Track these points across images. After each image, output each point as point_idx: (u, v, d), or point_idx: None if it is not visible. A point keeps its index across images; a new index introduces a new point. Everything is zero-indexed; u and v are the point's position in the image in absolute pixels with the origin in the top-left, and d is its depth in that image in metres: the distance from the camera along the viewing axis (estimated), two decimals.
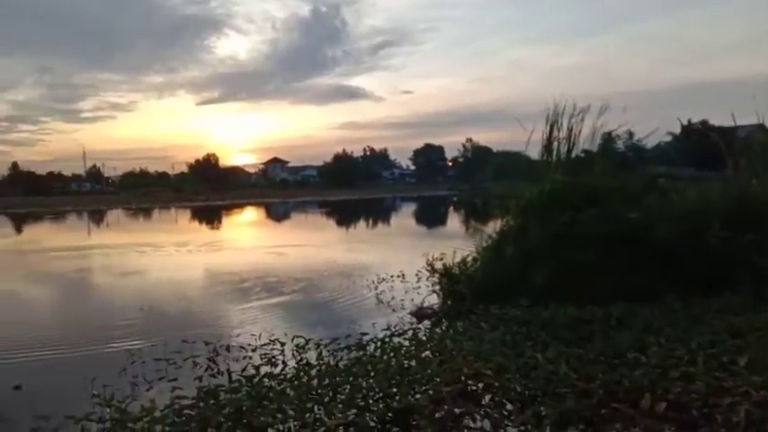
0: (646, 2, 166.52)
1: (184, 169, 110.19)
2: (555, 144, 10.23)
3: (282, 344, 7.45)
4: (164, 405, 4.90)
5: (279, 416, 4.63)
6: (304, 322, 9.54)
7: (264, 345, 7.63)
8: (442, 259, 10.21)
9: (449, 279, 9.63)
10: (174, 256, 20.19)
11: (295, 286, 12.80)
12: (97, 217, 48.36)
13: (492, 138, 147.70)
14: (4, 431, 5.62)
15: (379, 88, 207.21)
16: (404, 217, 44.61)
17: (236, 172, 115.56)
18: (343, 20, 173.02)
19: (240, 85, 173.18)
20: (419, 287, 11.36)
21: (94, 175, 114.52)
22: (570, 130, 10.13)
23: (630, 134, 41.27)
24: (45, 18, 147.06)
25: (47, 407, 5.72)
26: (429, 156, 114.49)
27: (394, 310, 9.94)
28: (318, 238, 26.45)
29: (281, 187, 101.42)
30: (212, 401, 4.89)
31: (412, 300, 10.52)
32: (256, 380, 5.49)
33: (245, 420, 4.53)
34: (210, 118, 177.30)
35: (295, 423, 4.59)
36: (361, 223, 37.95)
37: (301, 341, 7.09)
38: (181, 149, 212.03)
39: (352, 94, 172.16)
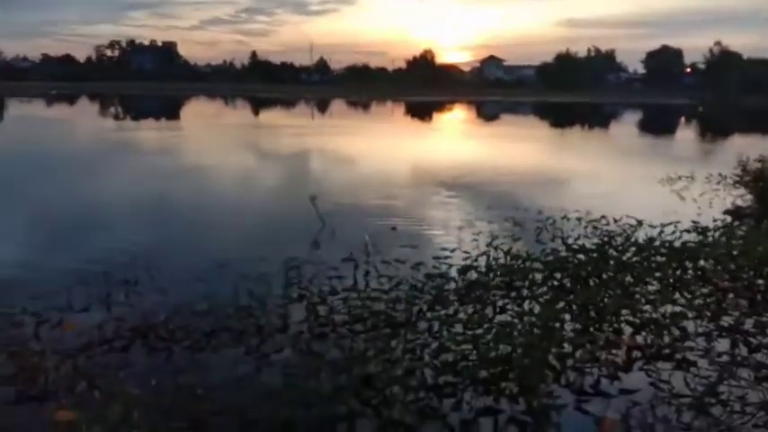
0: None
1: (403, 65, 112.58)
2: None
3: (616, 220, 8.33)
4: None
5: None
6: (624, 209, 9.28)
7: (594, 220, 8.45)
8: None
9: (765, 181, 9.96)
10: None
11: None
12: (322, 106, 52.21)
13: (743, 42, 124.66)
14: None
15: None
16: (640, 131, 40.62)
17: (451, 69, 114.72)
18: None
19: None
20: (718, 189, 11.59)
21: (322, 66, 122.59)
22: None
23: None
24: None
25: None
26: (664, 59, 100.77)
27: (699, 208, 10.04)
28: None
29: (496, 86, 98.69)
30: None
31: (710, 201, 10.74)
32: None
33: None
34: (429, 13, 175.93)
35: None
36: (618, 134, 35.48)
37: (632, 221, 8.14)
38: (398, 44, 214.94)
39: None
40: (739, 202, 10.45)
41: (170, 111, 43.53)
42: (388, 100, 63.69)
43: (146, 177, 13.29)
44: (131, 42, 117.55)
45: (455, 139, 27.27)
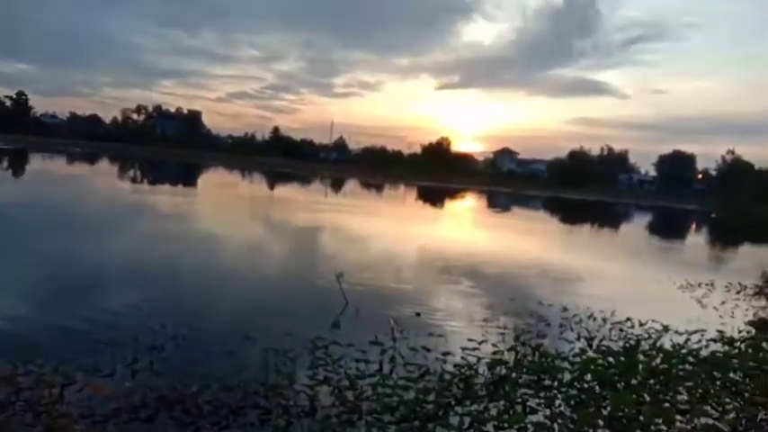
0: None
1: (418, 150, 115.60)
2: None
3: (642, 323, 8.42)
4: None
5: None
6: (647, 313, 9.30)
7: (619, 321, 8.50)
8: None
9: None
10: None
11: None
12: (337, 184, 53.18)
13: (754, 152, 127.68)
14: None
15: (625, 85, 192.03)
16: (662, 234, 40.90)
17: (465, 158, 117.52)
18: (598, 10, 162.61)
19: (479, 71, 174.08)
20: (738, 298, 11.73)
21: (340, 146, 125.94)
22: None
23: None
24: None
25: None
26: (676, 164, 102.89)
27: (722, 317, 10.02)
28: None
29: (507, 178, 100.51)
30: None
31: (732, 310, 10.70)
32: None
33: None
34: (446, 102, 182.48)
35: None
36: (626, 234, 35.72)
37: (658, 326, 8.15)
38: (415, 130, 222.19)
39: (595, 88, 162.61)
40: (762, 314, 10.41)
41: (188, 178, 44.48)
42: (402, 183, 64.85)
43: (166, 244, 13.42)
44: (158, 108, 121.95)
45: (471, 227, 27.48)
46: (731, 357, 6.80)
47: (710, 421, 5.07)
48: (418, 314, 8.26)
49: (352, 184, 56.13)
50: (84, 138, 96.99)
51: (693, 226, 45.02)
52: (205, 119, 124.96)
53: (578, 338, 7.62)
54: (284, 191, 41.25)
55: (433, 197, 47.97)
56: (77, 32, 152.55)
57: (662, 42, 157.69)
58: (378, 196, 45.47)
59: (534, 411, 5.04)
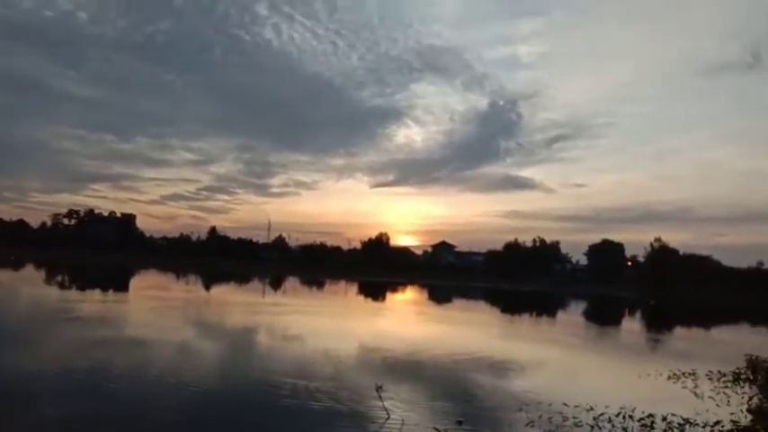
0: None
1: (358, 245, 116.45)
2: None
3: (664, 418, 8.91)
4: None
5: None
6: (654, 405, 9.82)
7: (642, 417, 8.91)
8: None
9: None
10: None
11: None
12: (277, 283, 52.42)
13: (674, 238, 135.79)
14: None
15: (549, 180, 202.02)
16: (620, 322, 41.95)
17: (404, 252, 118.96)
18: (520, 113, 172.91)
19: (413, 170, 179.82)
20: (725, 386, 12.54)
21: (280, 244, 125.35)
22: None
23: None
24: (250, 104, 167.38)
25: None
26: (606, 252, 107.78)
27: (719, 405, 10.68)
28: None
29: (448, 270, 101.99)
30: None
31: (727, 399, 11.38)
32: None
33: None
34: (382, 199, 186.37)
35: None
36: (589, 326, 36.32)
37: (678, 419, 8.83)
38: (353, 227, 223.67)
39: (522, 184, 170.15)
40: (755, 401, 11.19)
41: (118, 282, 42.88)
42: (343, 279, 64.59)
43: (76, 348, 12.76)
44: (90, 212, 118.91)
45: (423, 321, 27.46)
46: None
47: None
48: (460, 422, 8.42)
49: (294, 282, 55.47)
50: (9, 245, 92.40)
51: (637, 314, 46.30)
52: (138, 221, 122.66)
53: None
54: (223, 292, 40.23)
55: (375, 292, 47.89)
56: (4, 138, 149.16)
57: (580, 140, 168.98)
58: (321, 293, 45.02)
59: None
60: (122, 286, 39.43)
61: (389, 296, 45.65)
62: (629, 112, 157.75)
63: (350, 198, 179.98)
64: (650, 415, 8.85)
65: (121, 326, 17.95)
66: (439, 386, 11.20)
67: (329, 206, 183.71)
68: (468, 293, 55.31)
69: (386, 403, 8.83)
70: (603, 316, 42.01)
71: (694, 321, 37.65)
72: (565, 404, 9.67)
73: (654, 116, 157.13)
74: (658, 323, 35.89)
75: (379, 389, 8.83)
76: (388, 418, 8.36)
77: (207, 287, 43.33)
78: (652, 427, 8.42)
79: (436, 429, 7.74)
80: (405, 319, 27.76)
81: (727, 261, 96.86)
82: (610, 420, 8.77)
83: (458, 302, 45.63)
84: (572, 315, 40.54)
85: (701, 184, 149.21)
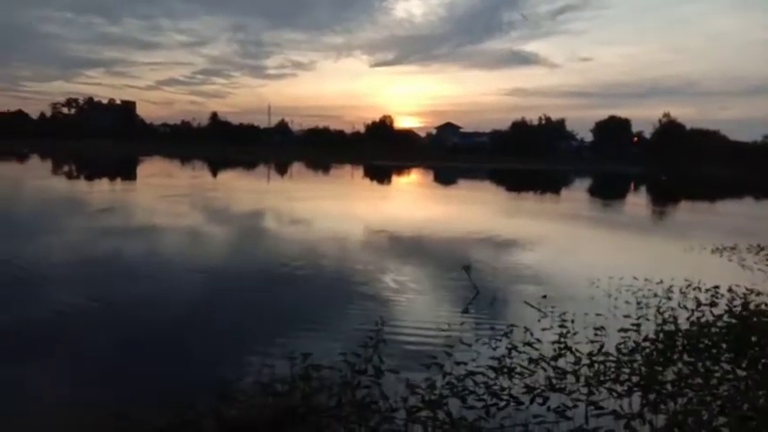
0: None
1: (361, 129, 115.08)
2: None
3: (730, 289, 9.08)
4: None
5: None
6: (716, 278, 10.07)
7: (708, 289, 9.11)
8: None
9: None
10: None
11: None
12: (283, 168, 52.43)
13: (681, 113, 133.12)
14: None
15: (554, 54, 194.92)
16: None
17: (408, 134, 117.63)
18: None
19: (413, 47, 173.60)
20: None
21: (282, 129, 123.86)
22: None
23: None
24: None
25: None
26: (613, 129, 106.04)
27: None
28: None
29: (453, 151, 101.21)
30: None
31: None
32: None
33: None
34: (383, 79, 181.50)
35: None
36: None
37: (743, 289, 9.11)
38: (353, 109, 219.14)
39: (526, 59, 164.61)
40: None
41: (125, 171, 43.00)
42: (348, 163, 64.50)
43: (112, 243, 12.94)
44: (90, 100, 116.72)
45: (448, 204, 27.68)
46: None
47: None
48: (544, 296, 8.93)
49: (299, 167, 55.49)
50: (11, 136, 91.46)
51: (651, 190, 46.00)
52: (137, 108, 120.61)
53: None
54: (231, 177, 40.35)
55: (381, 175, 47.77)
56: None
57: (586, 11, 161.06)
58: (328, 177, 45.14)
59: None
60: (130, 175, 39.56)
61: (396, 179, 45.70)
62: None
63: (349, 79, 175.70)
64: (716, 286, 9.11)
65: (135, 214, 18.15)
66: (508, 267, 11.57)
67: (328, 88, 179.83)
68: (474, 174, 55.19)
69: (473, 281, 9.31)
70: (619, 192, 41.78)
71: (705, 196, 37.77)
72: (635, 278, 10.10)
73: None
74: (674, 198, 35.97)
75: (467, 268, 9.32)
76: (478, 293, 8.79)
77: (214, 173, 43.41)
78: (718, 297, 8.67)
79: (527, 303, 8.32)
80: (427, 202, 27.97)
81: (732, 135, 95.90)
82: (681, 291, 9.26)
83: (464, 183, 45.73)
84: (583, 192, 40.56)
85: (710, 57, 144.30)
